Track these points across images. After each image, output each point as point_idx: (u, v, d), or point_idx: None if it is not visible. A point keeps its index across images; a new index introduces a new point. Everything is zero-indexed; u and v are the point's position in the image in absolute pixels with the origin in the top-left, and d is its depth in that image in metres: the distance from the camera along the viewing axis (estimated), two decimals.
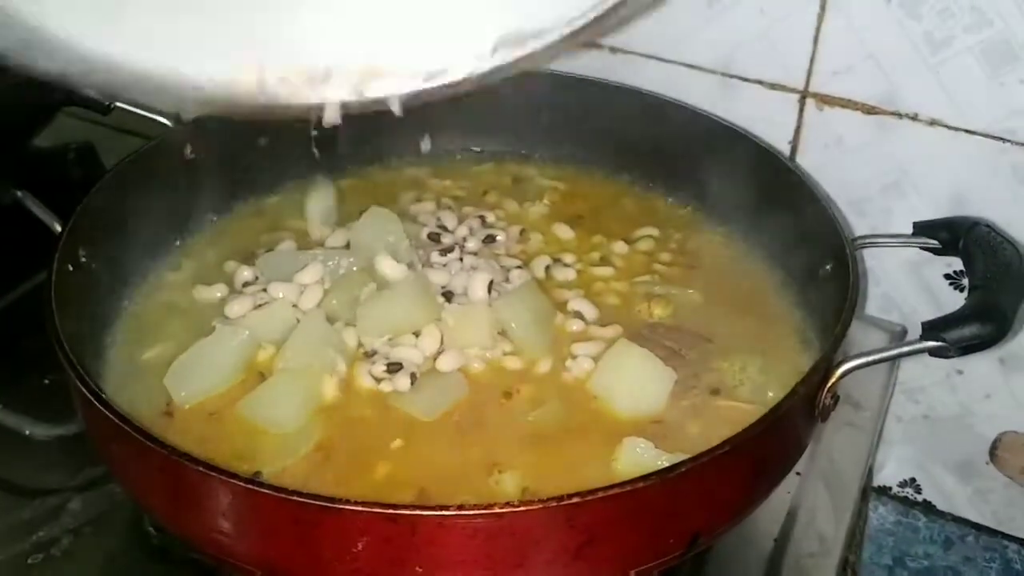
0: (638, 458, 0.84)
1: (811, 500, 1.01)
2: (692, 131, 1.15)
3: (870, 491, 1.35)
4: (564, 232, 1.13)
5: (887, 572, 1.37)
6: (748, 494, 0.80)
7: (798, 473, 1.01)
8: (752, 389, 0.93)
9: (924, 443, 1.32)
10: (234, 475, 0.70)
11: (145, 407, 0.91)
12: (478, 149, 1.27)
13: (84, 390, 0.76)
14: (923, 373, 1.27)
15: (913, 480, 1.36)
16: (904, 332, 1.23)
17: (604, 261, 1.09)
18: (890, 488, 1.37)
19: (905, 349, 0.83)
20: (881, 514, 1.38)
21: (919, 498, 1.36)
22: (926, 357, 1.23)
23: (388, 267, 0.99)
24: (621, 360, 0.92)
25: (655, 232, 1.14)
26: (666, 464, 0.78)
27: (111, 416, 0.74)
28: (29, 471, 1.04)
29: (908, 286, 1.23)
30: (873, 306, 1.26)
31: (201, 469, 0.70)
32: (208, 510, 0.73)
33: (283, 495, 0.68)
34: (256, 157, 1.15)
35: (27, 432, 1.08)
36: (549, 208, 1.18)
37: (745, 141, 1.11)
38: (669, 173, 1.20)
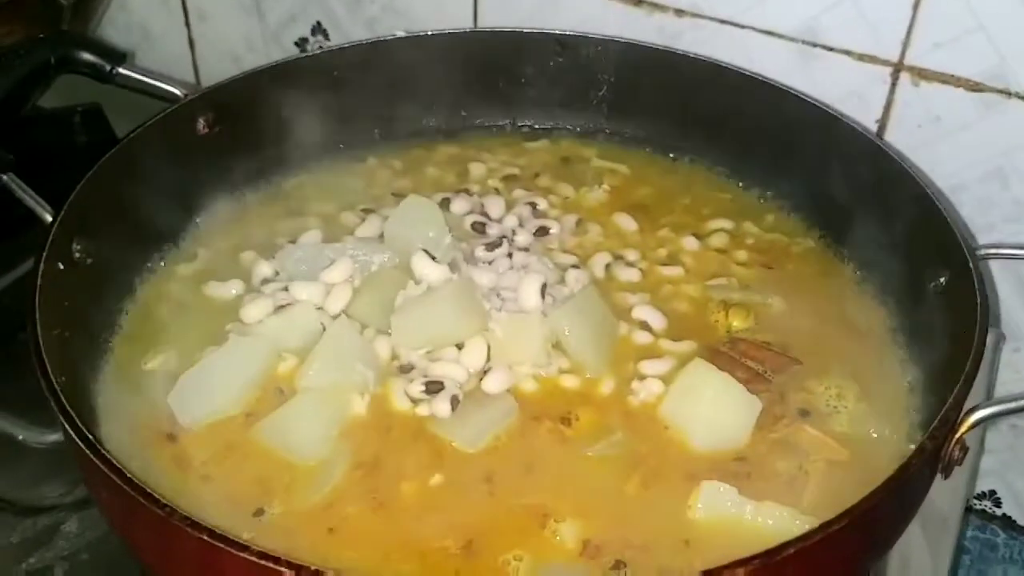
0: (721, 506, 0.73)
1: (905, 543, 0.88)
2: (772, 109, 1.02)
3: None
4: (626, 223, 1.01)
5: None
6: (860, 562, 0.68)
7: None
8: (850, 422, 0.80)
9: (1008, 453, 1.20)
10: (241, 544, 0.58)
11: (145, 428, 0.80)
12: (530, 123, 1.14)
13: (65, 424, 0.64)
14: (1014, 379, 1.14)
15: (993, 492, 1.25)
16: (1001, 338, 1.10)
17: (672, 259, 0.97)
18: (967, 500, 1.26)
19: None
20: None
21: (998, 512, 1.25)
22: (1019, 362, 1.14)
23: (427, 269, 0.87)
24: (697, 385, 0.80)
25: (728, 225, 1.01)
26: (750, 513, 0.67)
27: (96, 460, 0.62)
28: (21, 483, 0.95)
29: (1001, 281, 1.10)
30: None
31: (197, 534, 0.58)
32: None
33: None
34: (279, 131, 1.02)
35: (20, 437, 0.97)
36: (608, 195, 1.05)
37: (837, 123, 0.98)
38: (742, 157, 1.07)
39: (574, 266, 0.93)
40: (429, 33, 1.09)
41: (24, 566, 0.86)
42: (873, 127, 1.10)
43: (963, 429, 0.66)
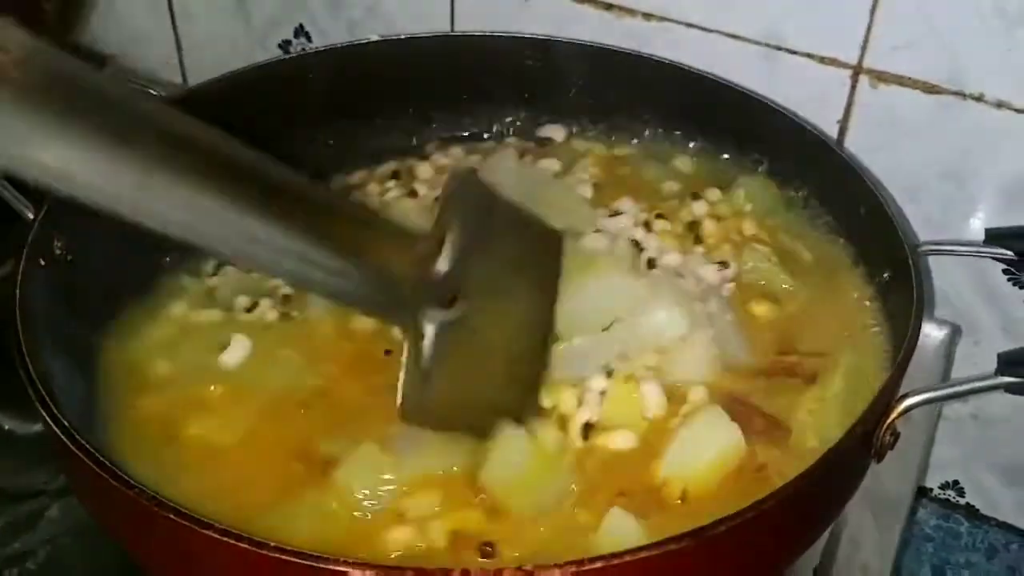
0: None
1: (855, 526, 0.92)
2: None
3: None
4: None
5: None
6: (793, 546, 0.71)
7: None
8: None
9: (970, 444, 1.23)
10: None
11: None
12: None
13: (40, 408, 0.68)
14: (972, 370, 1.16)
15: (956, 482, 1.28)
16: (957, 331, 1.13)
17: None
18: (931, 490, 1.29)
19: (978, 385, 0.73)
20: (921, 516, 1.30)
21: (961, 501, 1.28)
22: (978, 355, 1.17)
23: None
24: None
25: None
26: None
27: (73, 448, 0.66)
28: (7, 471, 0.98)
29: (961, 276, 1.13)
30: None
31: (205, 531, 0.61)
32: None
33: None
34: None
35: (6, 427, 1.01)
36: None
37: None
38: None
39: None
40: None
41: (9, 549, 0.90)
42: (834, 128, 1.13)
43: (893, 415, 0.70)
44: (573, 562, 0.58)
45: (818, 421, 0.79)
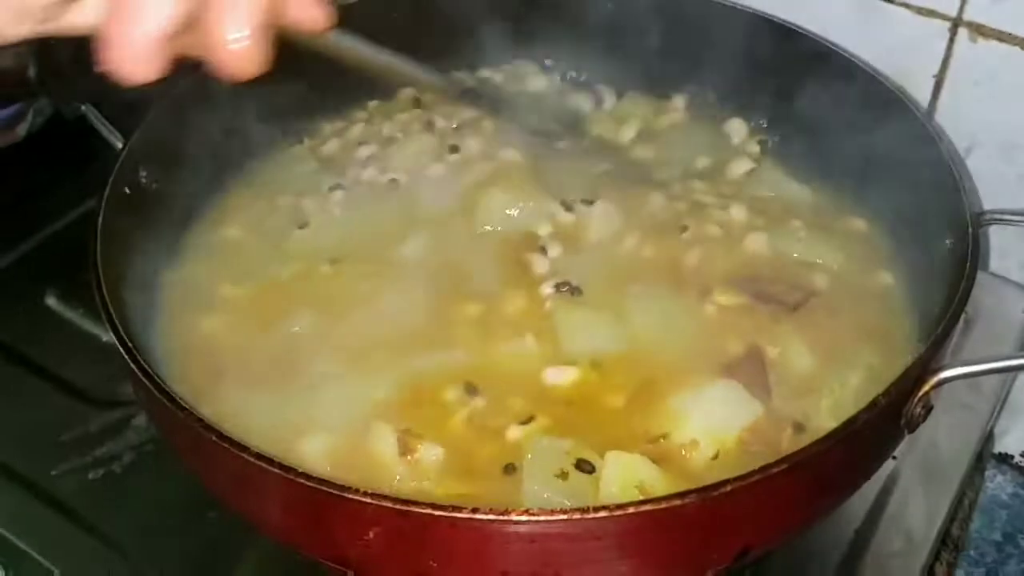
0: None
1: (903, 490, 0.91)
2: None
3: (988, 457, 1.24)
4: None
5: (995, 549, 1.26)
6: (808, 512, 0.72)
7: (894, 457, 0.91)
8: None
9: None
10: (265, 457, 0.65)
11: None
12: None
13: (114, 337, 0.73)
14: None
15: None
16: None
17: None
18: (1012, 457, 1.26)
19: (1015, 363, 0.71)
20: (999, 483, 1.27)
21: None
22: None
23: None
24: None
25: None
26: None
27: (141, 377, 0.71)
28: (101, 379, 1.03)
29: None
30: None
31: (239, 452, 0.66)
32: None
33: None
34: None
35: (104, 339, 1.07)
36: None
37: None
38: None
39: None
40: None
41: (97, 452, 0.97)
42: (930, 82, 1.10)
43: (925, 388, 0.69)
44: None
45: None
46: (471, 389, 0.82)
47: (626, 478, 0.72)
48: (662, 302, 0.89)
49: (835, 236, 0.95)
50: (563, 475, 0.72)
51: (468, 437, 0.79)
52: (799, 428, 0.79)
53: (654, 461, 0.74)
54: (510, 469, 0.76)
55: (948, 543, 1.10)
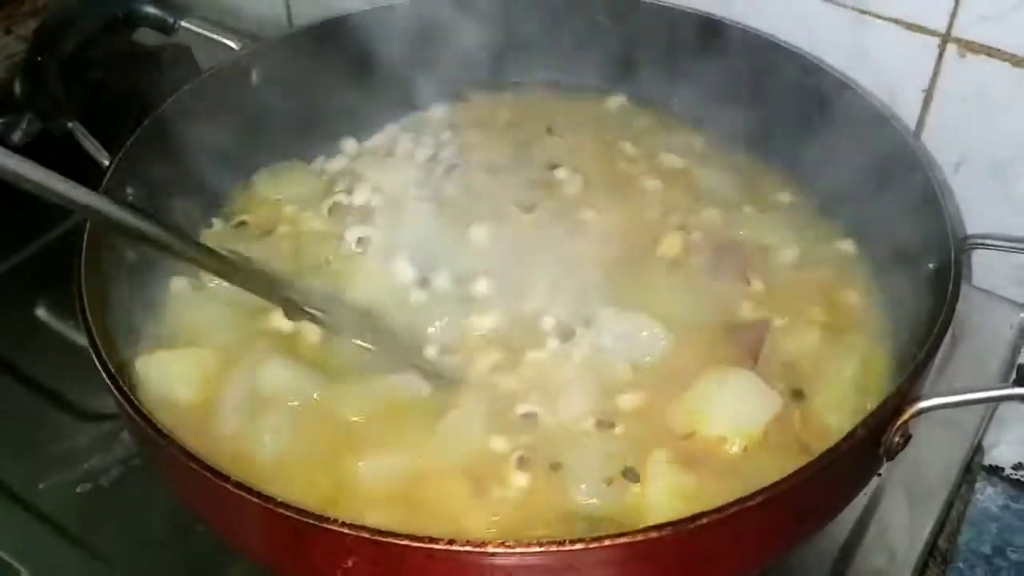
0: None
1: (887, 508, 0.91)
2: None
3: (978, 470, 1.25)
4: None
5: (985, 561, 1.26)
6: (787, 539, 0.72)
7: (879, 474, 0.91)
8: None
9: None
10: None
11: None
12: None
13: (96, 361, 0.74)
14: None
15: None
16: None
17: None
18: (1002, 469, 1.26)
19: (994, 394, 0.72)
20: (989, 496, 1.27)
21: None
22: None
23: None
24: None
25: None
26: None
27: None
28: (90, 391, 1.03)
29: None
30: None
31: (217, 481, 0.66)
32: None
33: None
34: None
35: None
36: None
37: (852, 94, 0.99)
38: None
39: None
40: None
41: (85, 465, 0.97)
42: (919, 97, 1.10)
43: (904, 418, 0.69)
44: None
45: None
46: None
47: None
48: None
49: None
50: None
51: None
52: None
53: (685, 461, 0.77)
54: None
55: (936, 556, 1.10)
